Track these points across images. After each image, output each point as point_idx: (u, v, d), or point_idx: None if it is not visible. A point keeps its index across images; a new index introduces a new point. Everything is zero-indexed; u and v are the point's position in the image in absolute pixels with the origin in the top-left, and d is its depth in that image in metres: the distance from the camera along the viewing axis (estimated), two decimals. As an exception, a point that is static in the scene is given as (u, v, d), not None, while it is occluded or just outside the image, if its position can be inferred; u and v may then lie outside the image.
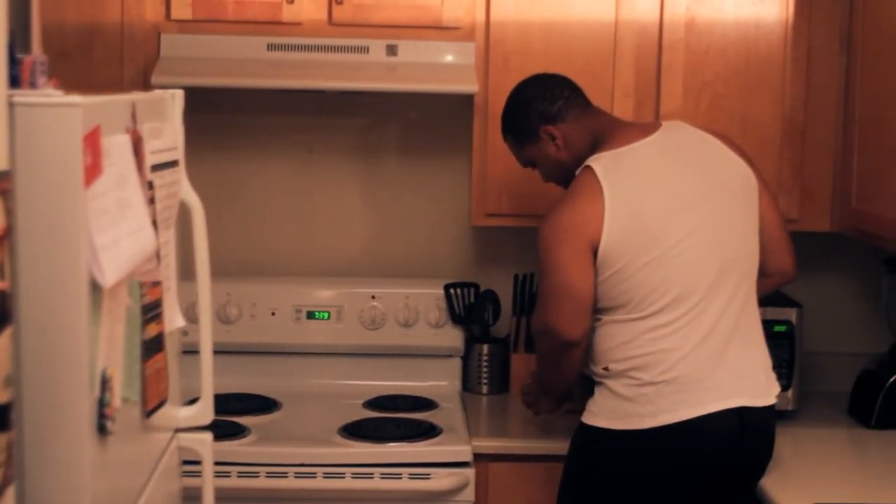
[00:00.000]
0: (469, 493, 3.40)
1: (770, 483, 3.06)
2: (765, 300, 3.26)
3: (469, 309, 3.99)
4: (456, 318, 3.98)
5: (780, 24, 3.68)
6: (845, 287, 4.13)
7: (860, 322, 4.07)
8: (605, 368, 3.06)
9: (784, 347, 3.63)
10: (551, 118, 3.24)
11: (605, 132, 3.19)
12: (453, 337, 3.99)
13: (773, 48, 3.68)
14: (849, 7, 3.66)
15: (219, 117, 4.01)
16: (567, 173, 3.24)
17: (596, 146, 3.15)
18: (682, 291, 2.99)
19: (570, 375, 3.19)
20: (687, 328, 2.99)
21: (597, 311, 3.07)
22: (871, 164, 3.45)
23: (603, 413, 3.07)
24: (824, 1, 3.68)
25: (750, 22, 3.68)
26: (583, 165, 3.12)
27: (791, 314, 3.71)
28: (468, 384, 4.01)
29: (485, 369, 3.98)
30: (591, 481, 3.10)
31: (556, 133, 3.24)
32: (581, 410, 3.18)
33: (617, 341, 3.04)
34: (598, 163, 3.07)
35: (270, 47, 3.64)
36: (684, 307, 2.99)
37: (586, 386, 3.19)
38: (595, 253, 3.01)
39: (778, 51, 3.68)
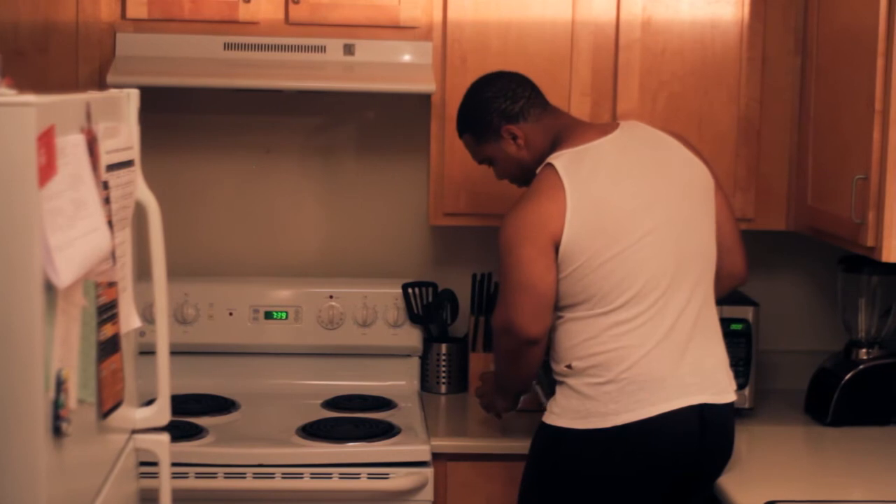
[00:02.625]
0: (428, 493, 3.40)
1: (726, 480, 3.07)
2: (721, 298, 3.28)
3: (427, 308, 3.98)
4: (414, 318, 3.98)
5: (736, 24, 3.70)
6: (801, 285, 4.15)
7: (816, 320, 4.10)
8: (568, 366, 3.06)
9: (741, 346, 3.66)
10: (513, 117, 3.24)
11: (565, 131, 3.20)
12: (411, 336, 3.99)
13: (728, 48, 3.70)
14: (804, 7, 3.68)
15: (175, 117, 3.99)
16: (525, 172, 3.25)
17: (556, 145, 3.16)
18: (643, 288, 3.00)
19: (527, 374, 3.20)
20: (648, 325, 3.01)
21: (558, 308, 3.08)
22: (826, 162, 3.47)
23: (565, 413, 3.07)
24: (779, 1, 3.70)
25: (706, 22, 3.70)
26: (544, 163, 3.12)
27: (748, 312, 3.73)
28: (426, 384, 4.01)
29: (443, 369, 3.98)
30: (554, 483, 3.10)
31: (517, 132, 3.24)
32: (540, 409, 3.19)
33: (579, 338, 3.04)
34: (559, 160, 3.08)
35: (227, 47, 3.62)
36: (645, 303, 3.01)
37: (551, 387, 3.20)
38: (557, 249, 3.02)
39: (733, 51, 3.70)
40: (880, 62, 3.09)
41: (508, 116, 3.25)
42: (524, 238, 3.05)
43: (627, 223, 3.04)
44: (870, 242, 3.13)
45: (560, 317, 3.08)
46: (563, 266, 3.03)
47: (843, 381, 3.64)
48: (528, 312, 3.03)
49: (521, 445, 3.36)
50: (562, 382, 3.10)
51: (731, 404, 3.10)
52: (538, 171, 3.14)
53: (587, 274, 3.01)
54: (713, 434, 3.06)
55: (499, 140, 3.27)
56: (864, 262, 3.46)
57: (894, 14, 3.05)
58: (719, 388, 3.08)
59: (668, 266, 3.04)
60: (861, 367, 3.67)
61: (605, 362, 3.01)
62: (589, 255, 3.01)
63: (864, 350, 3.70)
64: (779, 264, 4.13)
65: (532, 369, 3.17)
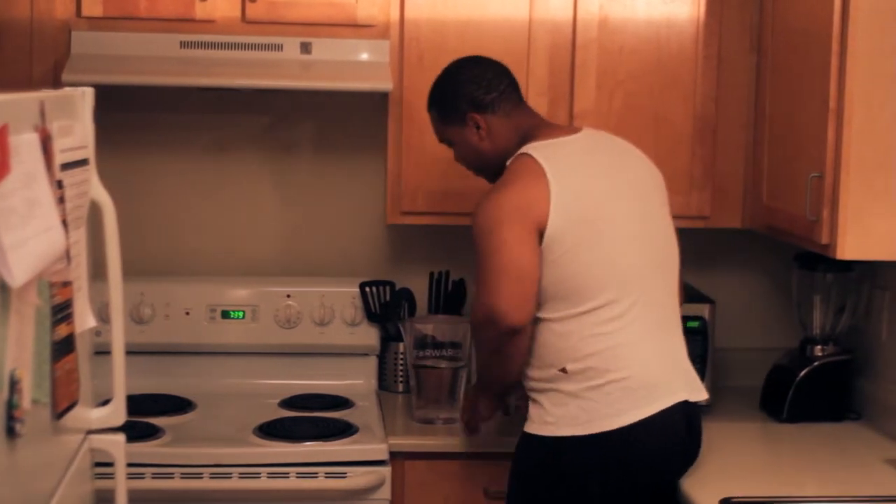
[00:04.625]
0: (385, 492, 3.40)
1: (682, 478, 3.08)
2: (676, 297, 3.30)
3: (385, 307, 3.98)
4: (371, 317, 3.97)
5: (692, 24, 3.72)
6: (757, 283, 4.18)
7: (771, 317, 4.12)
8: (563, 370, 3.01)
9: (697, 343, 3.67)
10: (482, 107, 3.23)
11: (533, 130, 3.20)
12: (369, 335, 3.98)
13: (684, 47, 3.71)
14: (759, 6, 3.70)
15: (131, 115, 3.97)
16: (482, 162, 3.26)
17: (524, 141, 3.15)
18: (625, 283, 3.01)
19: (512, 368, 3.08)
20: (636, 322, 3.01)
21: (543, 308, 3.03)
22: (782, 161, 3.49)
23: (562, 420, 3.01)
24: (735, 0, 3.72)
25: (662, 21, 3.71)
26: (518, 153, 3.11)
27: (704, 310, 3.75)
28: (384, 382, 4.01)
29: (401, 367, 3.97)
30: (560, 494, 3.03)
31: (482, 123, 3.23)
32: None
33: (570, 340, 3.00)
34: (536, 151, 3.07)
35: (183, 45, 3.61)
36: (629, 300, 3.00)
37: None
38: (541, 235, 2.98)
39: (689, 49, 3.71)
40: (834, 61, 3.12)
41: (477, 105, 3.23)
42: (506, 221, 2.99)
43: (606, 215, 3.04)
44: (824, 240, 3.16)
45: (542, 319, 3.04)
46: (548, 252, 2.98)
47: (798, 378, 3.66)
48: (513, 298, 2.95)
49: (479, 444, 3.37)
50: (547, 390, 3.05)
51: (701, 403, 3.14)
52: (512, 161, 3.12)
53: (571, 262, 2.99)
54: (694, 431, 3.08)
55: (462, 125, 3.25)
56: (818, 260, 3.48)
57: (848, 13, 3.08)
58: (695, 385, 3.11)
59: (645, 262, 3.06)
60: (816, 363, 3.69)
61: (601, 363, 2.97)
62: (572, 244, 2.98)
63: (818, 347, 3.72)
64: (734, 262, 4.16)
65: (517, 363, 3.07)
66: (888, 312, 3.65)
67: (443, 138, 3.36)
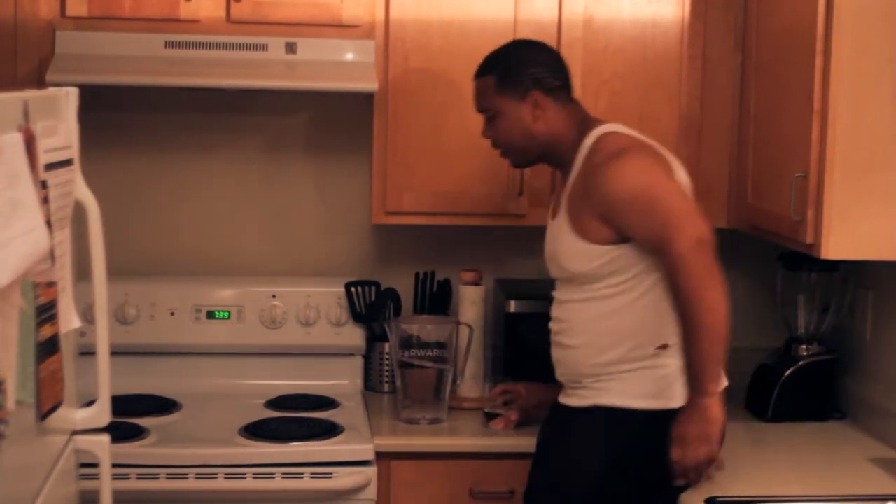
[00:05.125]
0: (371, 492, 3.40)
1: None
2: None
3: (370, 307, 3.98)
4: (357, 317, 3.97)
5: (677, 24, 3.73)
6: (741, 283, 4.17)
7: (756, 317, 4.12)
8: (664, 346, 3.04)
9: (682, 342, 3.67)
10: (546, 90, 3.21)
11: (588, 121, 3.22)
12: (354, 335, 3.98)
13: (669, 47, 3.72)
14: (743, 7, 3.71)
15: (115, 116, 3.96)
16: (527, 141, 3.23)
17: (582, 132, 3.18)
18: None
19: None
20: None
21: (648, 282, 3.05)
22: (766, 161, 3.50)
23: (666, 393, 3.03)
24: (720, 1, 3.73)
25: (647, 21, 3.72)
26: (606, 132, 3.14)
27: (689, 310, 3.75)
28: (370, 383, 4.01)
29: (386, 368, 3.97)
30: (656, 467, 2.99)
31: (542, 104, 3.20)
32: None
33: (669, 316, 3.01)
34: (624, 130, 3.17)
35: (168, 45, 3.60)
36: None
37: None
38: None
39: (674, 49, 3.72)
40: (819, 61, 3.12)
41: (542, 86, 3.21)
42: (656, 166, 3.06)
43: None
44: (809, 240, 3.16)
45: (646, 293, 3.05)
46: None
47: (782, 378, 3.67)
48: (699, 212, 2.98)
49: (463, 444, 3.38)
50: (643, 368, 3.06)
51: None
52: (602, 137, 3.13)
53: None
54: None
55: (520, 100, 3.21)
56: (803, 260, 3.49)
57: (832, 13, 3.08)
58: None
59: None
60: (801, 363, 3.70)
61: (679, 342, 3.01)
62: None
63: (803, 346, 3.73)
64: (719, 261, 4.15)
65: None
66: (872, 312, 3.66)
67: (487, 107, 3.29)
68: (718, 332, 2.93)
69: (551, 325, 3.27)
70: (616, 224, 3.04)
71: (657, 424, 2.99)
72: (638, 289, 3.07)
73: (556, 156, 3.25)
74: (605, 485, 3.06)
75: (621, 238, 3.05)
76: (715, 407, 2.94)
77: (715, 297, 2.92)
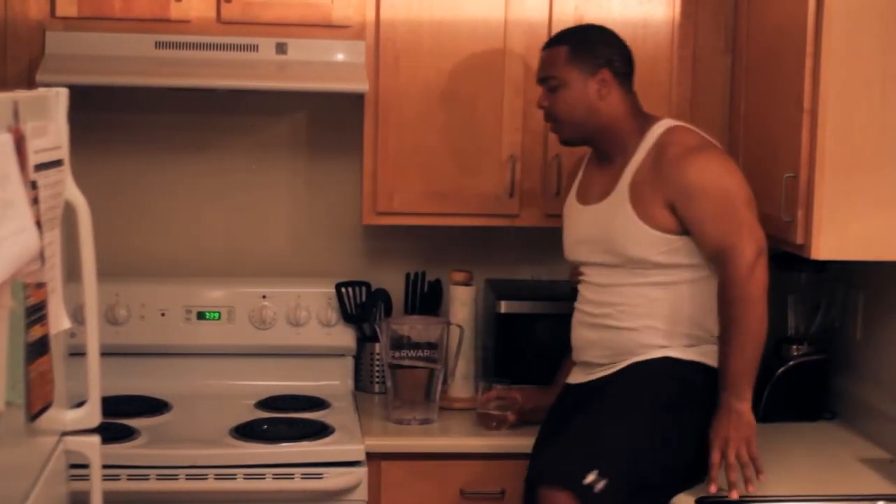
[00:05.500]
0: (362, 492, 3.40)
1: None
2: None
3: (361, 308, 3.98)
4: (347, 318, 3.97)
5: (667, 24, 3.73)
6: (732, 283, 4.18)
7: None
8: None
9: (673, 343, 3.67)
10: (617, 73, 3.25)
11: (645, 114, 3.28)
12: (345, 336, 3.98)
13: (660, 48, 3.72)
14: (734, 7, 3.72)
15: (107, 116, 3.96)
16: (585, 117, 3.25)
17: (642, 122, 3.24)
18: None
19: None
20: None
21: (691, 263, 3.14)
22: (756, 161, 3.50)
23: (710, 354, 3.13)
24: (710, 1, 3.74)
25: (637, 22, 3.72)
26: (675, 126, 3.22)
27: (679, 310, 3.75)
28: (360, 383, 4.01)
29: (377, 368, 3.97)
30: (699, 417, 3.08)
31: (610, 83, 3.24)
32: None
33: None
34: (694, 127, 3.24)
35: (158, 45, 3.60)
36: None
37: None
38: None
39: (665, 50, 3.72)
40: (809, 62, 3.13)
41: (613, 68, 3.24)
42: (732, 167, 3.15)
43: None
44: (799, 240, 3.17)
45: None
46: None
47: (773, 378, 3.67)
48: (759, 223, 3.08)
49: (454, 445, 3.38)
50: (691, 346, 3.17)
51: None
52: (671, 130, 3.19)
53: None
54: None
55: (589, 75, 3.23)
56: (793, 260, 3.49)
57: (822, 14, 3.09)
58: None
59: None
60: (791, 363, 3.70)
61: None
62: None
63: (794, 346, 3.74)
64: (710, 262, 4.16)
65: None
66: (863, 312, 3.67)
67: (553, 75, 3.28)
68: (760, 342, 3.05)
69: (589, 307, 3.29)
70: (683, 215, 3.10)
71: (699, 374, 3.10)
72: (694, 277, 3.14)
73: (606, 139, 3.27)
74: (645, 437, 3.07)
75: (682, 229, 3.11)
76: (750, 413, 3.02)
77: (764, 309, 3.03)
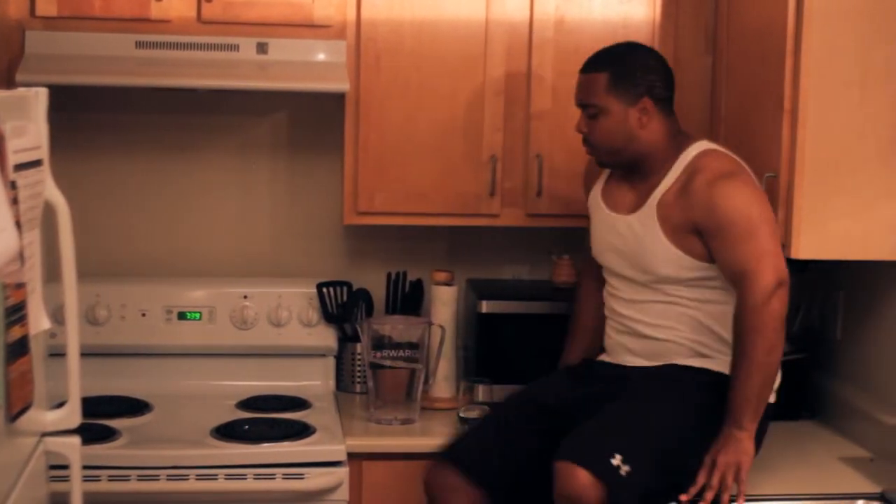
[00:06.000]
0: (343, 493, 3.40)
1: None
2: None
3: (342, 308, 3.97)
4: (329, 317, 3.96)
5: (648, 24, 3.74)
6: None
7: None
8: None
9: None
10: (657, 99, 3.21)
11: (683, 135, 3.25)
12: (326, 336, 3.97)
13: (640, 48, 3.72)
14: (714, 7, 3.73)
15: (86, 116, 3.95)
16: (624, 144, 3.22)
17: (679, 144, 3.21)
18: None
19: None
20: None
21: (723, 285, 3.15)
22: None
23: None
24: (690, 2, 3.74)
25: (618, 22, 3.73)
26: (707, 149, 3.19)
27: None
28: (341, 383, 4.00)
29: (358, 368, 3.97)
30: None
31: (650, 111, 3.20)
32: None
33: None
34: (729, 152, 3.22)
35: (139, 45, 3.59)
36: None
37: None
38: None
39: (645, 50, 3.72)
40: (789, 62, 3.14)
41: (654, 95, 3.20)
42: (761, 197, 3.09)
43: None
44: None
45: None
46: None
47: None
48: (782, 255, 3.05)
49: (435, 444, 3.37)
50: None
51: None
52: (703, 154, 3.17)
53: None
54: None
55: (629, 104, 3.19)
56: (774, 260, 3.50)
57: (802, 14, 3.10)
58: None
59: None
60: (772, 363, 3.71)
61: None
62: None
63: (774, 346, 3.74)
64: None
65: None
66: (843, 312, 3.68)
67: (592, 103, 3.24)
68: (772, 374, 3.05)
69: (620, 318, 3.32)
70: (708, 241, 3.09)
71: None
72: (728, 298, 3.13)
73: (642, 162, 3.24)
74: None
75: (711, 257, 3.11)
76: (749, 442, 2.99)
77: (779, 341, 3.02)
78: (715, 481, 2.94)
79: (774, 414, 3.60)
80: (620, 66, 3.21)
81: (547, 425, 3.20)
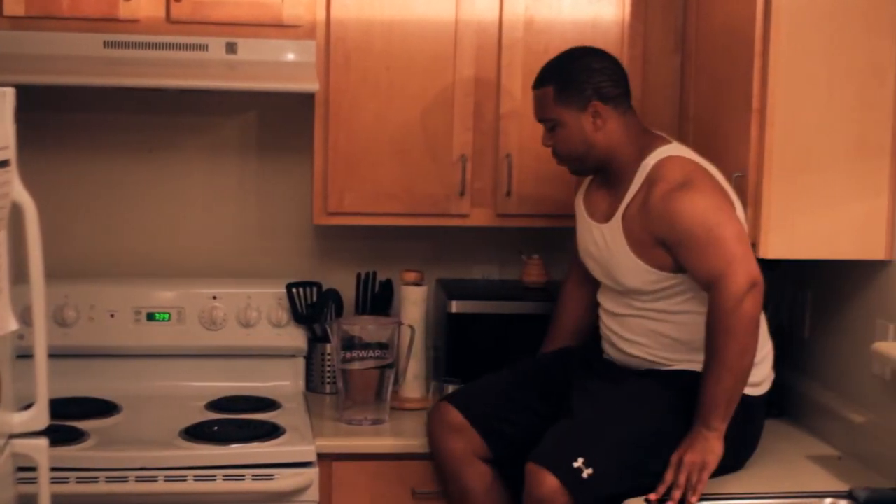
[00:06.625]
0: (313, 493, 3.39)
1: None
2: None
3: (311, 308, 3.97)
4: (298, 318, 3.96)
5: (617, 25, 3.75)
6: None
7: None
8: None
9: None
10: (606, 99, 3.21)
11: (647, 134, 3.26)
12: (296, 336, 3.97)
13: (610, 48, 3.70)
14: (683, 8, 3.74)
15: (54, 116, 3.93)
16: (586, 152, 3.24)
17: (644, 145, 3.20)
18: None
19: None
20: None
21: (693, 296, 3.15)
22: (706, 160, 3.52)
23: (768, 380, 3.24)
24: (659, 1, 3.75)
25: (587, 22, 3.73)
26: (672, 156, 3.17)
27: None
28: (311, 384, 4.00)
29: (328, 368, 3.96)
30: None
31: (603, 113, 3.21)
32: None
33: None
34: (691, 155, 3.20)
35: (107, 45, 3.57)
36: None
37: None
38: None
39: (615, 50, 3.70)
40: (757, 62, 3.15)
41: (603, 96, 3.21)
42: (725, 202, 3.08)
43: None
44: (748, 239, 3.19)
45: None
46: None
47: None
48: (755, 260, 3.02)
49: (405, 445, 3.38)
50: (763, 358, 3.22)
51: None
52: (665, 160, 3.15)
53: None
54: None
55: (580, 111, 3.21)
56: (742, 259, 3.51)
57: (770, 14, 3.11)
58: None
59: None
60: (740, 362, 3.72)
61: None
62: None
63: (743, 345, 3.75)
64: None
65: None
66: (811, 311, 3.69)
67: (547, 118, 3.28)
68: (743, 376, 3.03)
69: (606, 330, 3.35)
70: (675, 254, 3.08)
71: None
72: (695, 308, 3.13)
73: (612, 166, 3.25)
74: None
75: (677, 267, 3.10)
76: (717, 442, 3.00)
77: (751, 343, 3.02)
78: (682, 480, 2.95)
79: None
80: (563, 76, 3.24)
81: (549, 390, 3.26)
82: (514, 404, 3.35)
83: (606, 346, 3.36)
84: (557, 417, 3.15)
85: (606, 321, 3.33)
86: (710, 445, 2.98)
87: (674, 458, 2.99)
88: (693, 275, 3.08)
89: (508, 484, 3.30)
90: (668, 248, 3.09)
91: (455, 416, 3.34)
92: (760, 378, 3.19)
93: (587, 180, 3.42)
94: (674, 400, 3.11)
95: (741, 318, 2.98)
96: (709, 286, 3.03)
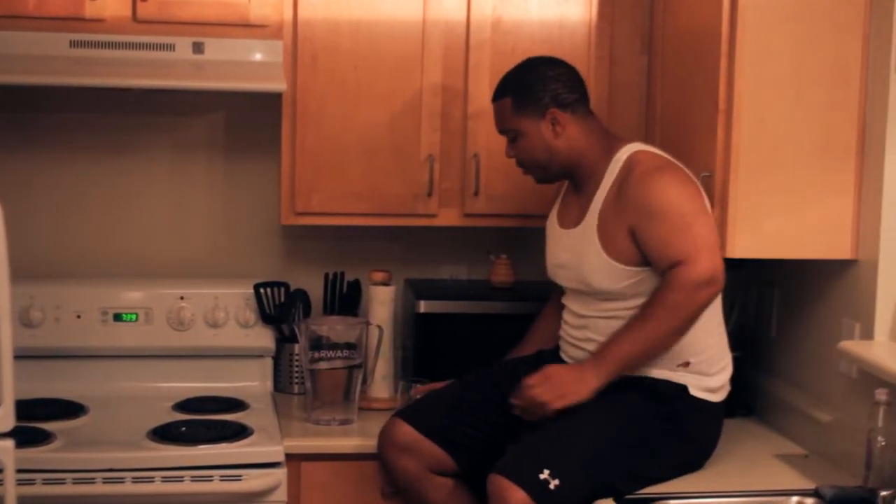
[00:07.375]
0: (281, 494, 3.39)
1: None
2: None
3: (279, 308, 3.96)
4: (266, 318, 3.95)
5: (584, 25, 3.76)
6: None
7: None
8: (685, 364, 3.15)
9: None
10: (564, 105, 3.23)
11: (609, 137, 3.27)
12: (264, 337, 3.96)
13: (577, 48, 3.75)
14: (649, 8, 3.75)
15: (20, 116, 3.91)
16: (548, 159, 3.25)
17: (607, 147, 3.21)
18: None
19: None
20: None
21: None
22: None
23: (724, 389, 3.22)
24: (626, 2, 3.77)
25: (554, 22, 3.74)
26: (639, 150, 3.18)
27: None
28: (279, 384, 3.99)
29: (296, 369, 3.96)
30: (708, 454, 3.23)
31: (561, 119, 3.22)
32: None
33: (691, 336, 3.11)
34: (658, 151, 3.21)
35: (73, 44, 3.56)
36: None
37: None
38: None
39: (582, 50, 3.75)
40: (723, 62, 3.17)
41: (559, 102, 3.22)
42: (695, 193, 3.09)
43: None
44: (715, 239, 3.20)
45: None
46: None
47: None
48: (721, 258, 3.03)
49: (374, 445, 3.38)
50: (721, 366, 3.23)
51: None
52: (635, 154, 3.17)
53: None
54: None
55: (539, 119, 3.23)
56: (709, 259, 3.53)
57: (737, 15, 3.13)
58: None
59: None
60: (707, 361, 3.74)
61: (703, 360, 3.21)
62: None
63: (710, 344, 3.77)
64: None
65: None
66: (777, 310, 3.71)
67: (507, 128, 3.31)
68: (656, 352, 3.08)
69: (572, 331, 3.32)
70: (641, 237, 3.08)
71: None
72: None
73: (576, 172, 3.27)
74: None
75: (643, 259, 3.09)
76: (588, 387, 3.04)
77: (684, 330, 3.06)
78: (518, 401, 3.09)
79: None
80: (519, 86, 3.27)
81: (503, 401, 3.21)
82: (469, 415, 3.33)
83: (568, 349, 3.34)
84: (516, 426, 3.15)
85: (571, 322, 3.32)
86: (584, 383, 3.04)
87: (546, 372, 3.08)
88: (655, 254, 3.06)
89: (477, 495, 3.28)
90: (637, 233, 3.08)
91: (406, 432, 3.31)
92: (718, 384, 3.20)
93: (559, 197, 3.42)
94: (639, 406, 3.11)
95: (690, 304, 3.01)
96: (670, 266, 3.02)
